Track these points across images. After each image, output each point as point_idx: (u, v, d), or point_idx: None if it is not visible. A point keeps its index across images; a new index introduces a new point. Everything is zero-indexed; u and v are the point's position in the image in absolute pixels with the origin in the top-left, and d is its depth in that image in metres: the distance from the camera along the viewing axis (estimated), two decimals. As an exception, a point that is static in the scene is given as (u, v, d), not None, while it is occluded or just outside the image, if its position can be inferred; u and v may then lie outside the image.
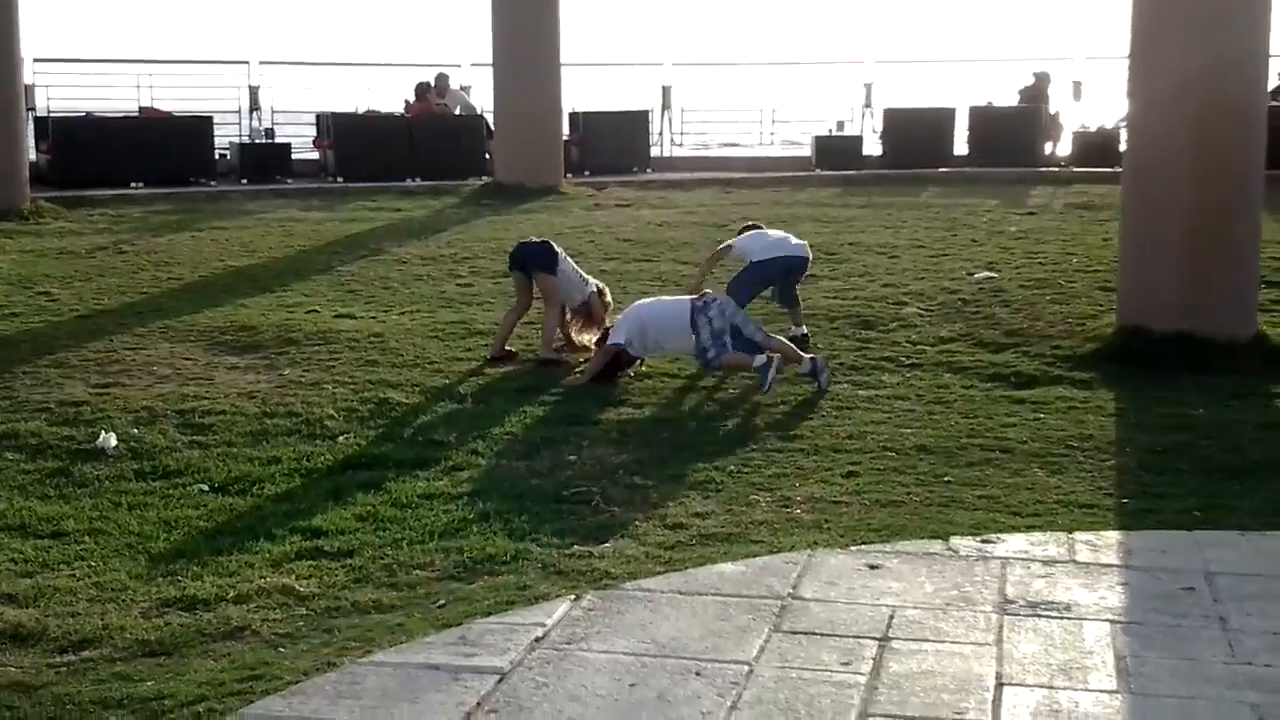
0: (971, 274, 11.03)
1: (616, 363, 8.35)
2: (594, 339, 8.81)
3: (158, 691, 4.27)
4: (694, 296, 8.39)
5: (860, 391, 8.14)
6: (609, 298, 9.12)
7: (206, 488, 6.49)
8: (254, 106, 21.86)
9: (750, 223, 10.22)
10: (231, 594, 5.14)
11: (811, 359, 8.21)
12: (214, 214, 15.82)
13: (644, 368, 8.48)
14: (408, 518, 6.04)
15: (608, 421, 7.55)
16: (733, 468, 6.70)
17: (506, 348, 8.91)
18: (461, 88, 22.00)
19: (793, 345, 8.42)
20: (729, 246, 9.66)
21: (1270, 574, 5.07)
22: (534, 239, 9.56)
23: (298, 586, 5.22)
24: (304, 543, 5.74)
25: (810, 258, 9.56)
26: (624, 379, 8.36)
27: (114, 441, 7.01)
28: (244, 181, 18.86)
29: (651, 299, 8.77)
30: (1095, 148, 20.53)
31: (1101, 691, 4.06)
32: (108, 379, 8.26)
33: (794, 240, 9.65)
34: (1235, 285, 8.92)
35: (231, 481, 6.58)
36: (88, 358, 8.73)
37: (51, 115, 19.52)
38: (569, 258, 9.19)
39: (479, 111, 21.14)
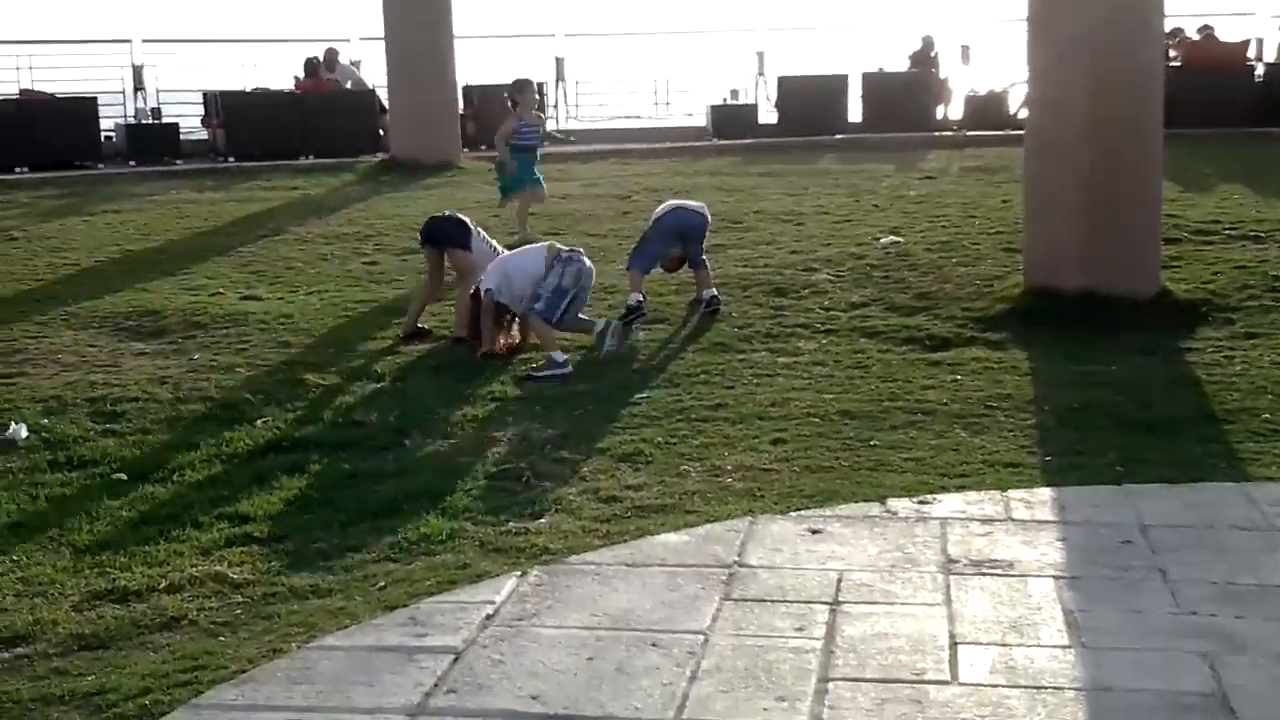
0: (878, 239, 11.11)
1: (495, 313, 8.21)
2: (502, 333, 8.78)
3: (99, 686, 4.16)
4: (563, 248, 8.38)
5: (779, 359, 8.17)
6: None
7: (125, 476, 6.34)
8: (139, 86, 21.37)
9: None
10: (163, 584, 5.03)
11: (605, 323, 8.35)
12: (104, 197, 15.43)
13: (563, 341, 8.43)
14: (336, 500, 5.95)
15: (528, 396, 7.50)
16: (660, 439, 6.68)
17: (420, 325, 8.81)
18: (351, 62, 21.69)
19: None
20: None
21: (1201, 525, 5.17)
22: (445, 213, 9.45)
23: (230, 574, 5.12)
24: (232, 529, 5.63)
25: (709, 217, 9.55)
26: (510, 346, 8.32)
27: (25, 432, 6.82)
28: (132, 163, 18.43)
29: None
30: (985, 111, 20.80)
31: (1055, 647, 4.11)
32: (11, 368, 8.03)
33: (691, 202, 9.81)
34: (1137, 242, 9.08)
35: (150, 469, 6.43)
36: (-12, 347, 8.49)
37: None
38: (481, 230, 9.10)
39: (370, 86, 20.86)
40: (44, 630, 4.63)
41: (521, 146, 12.07)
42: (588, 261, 8.38)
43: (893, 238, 11.15)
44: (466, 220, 9.02)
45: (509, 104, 12.42)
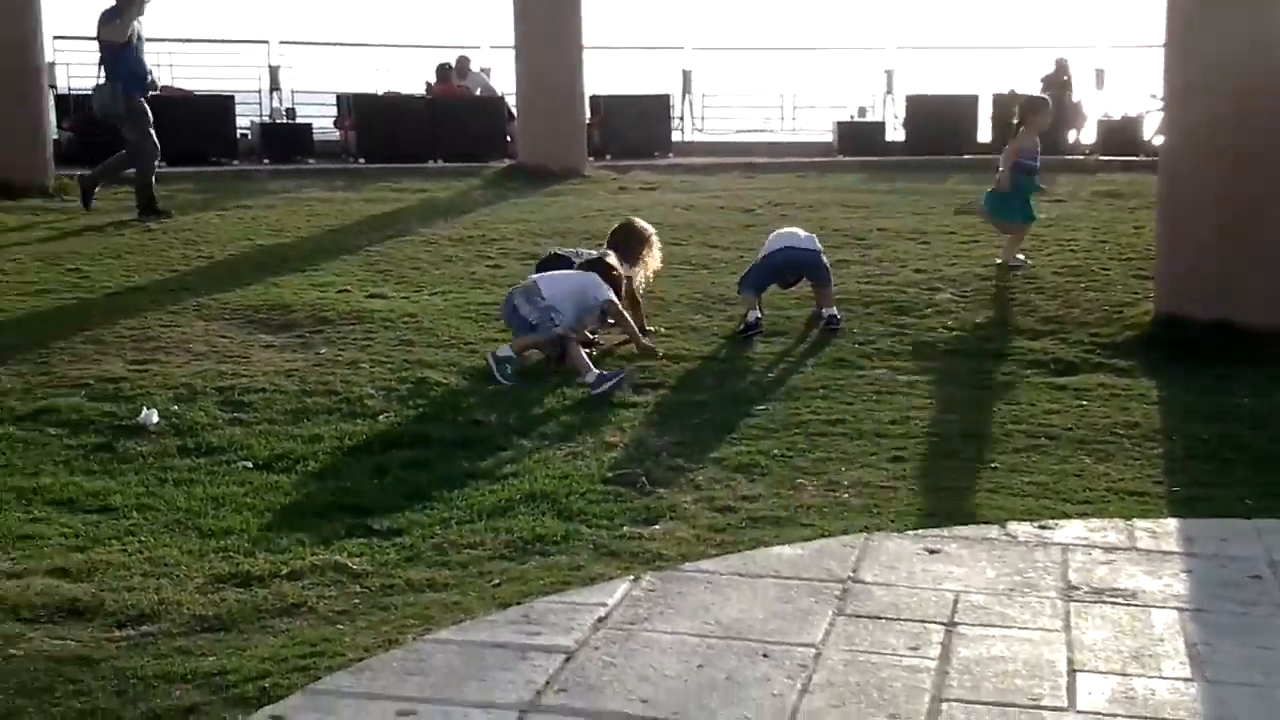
0: (954, 264, 10.97)
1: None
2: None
3: (220, 667, 4.24)
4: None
5: (900, 377, 8.10)
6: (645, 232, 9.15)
7: (251, 465, 6.46)
8: (274, 86, 21.86)
9: None
10: (284, 571, 5.10)
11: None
12: (238, 194, 15.79)
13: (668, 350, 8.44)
14: (454, 497, 6.00)
15: (646, 404, 7.51)
16: (777, 451, 6.65)
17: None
18: (482, 69, 22.00)
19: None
20: None
21: (1332, 563, 5.02)
22: (551, 252, 9.45)
23: (350, 564, 5.18)
24: (352, 520, 5.71)
25: (819, 249, 9.45)
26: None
27: (156, 418, 6.98)
28: (265, 161, 18.84)
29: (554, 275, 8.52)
30: (1118, 135, 20.50)
31: (1177, 679, 4.02)
32: (145, 355, 8.23)
33: (802, 233, 9.64)
34: (1275, 273, 8.85)
35: (275, 459, 6.55)
36: (123, 334, 8.70)
37: (72, 93, 19.51)
38: (581, 250, 9.11)
39: (499, 94, 21.11)
40: (169, 610, 4.73)
41: (1026, 169, 11.22)
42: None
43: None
44: (563, 252, 9.11)
45: (1015, 123, 11.53)
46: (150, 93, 14.06)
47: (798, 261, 9.38)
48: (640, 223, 9.35)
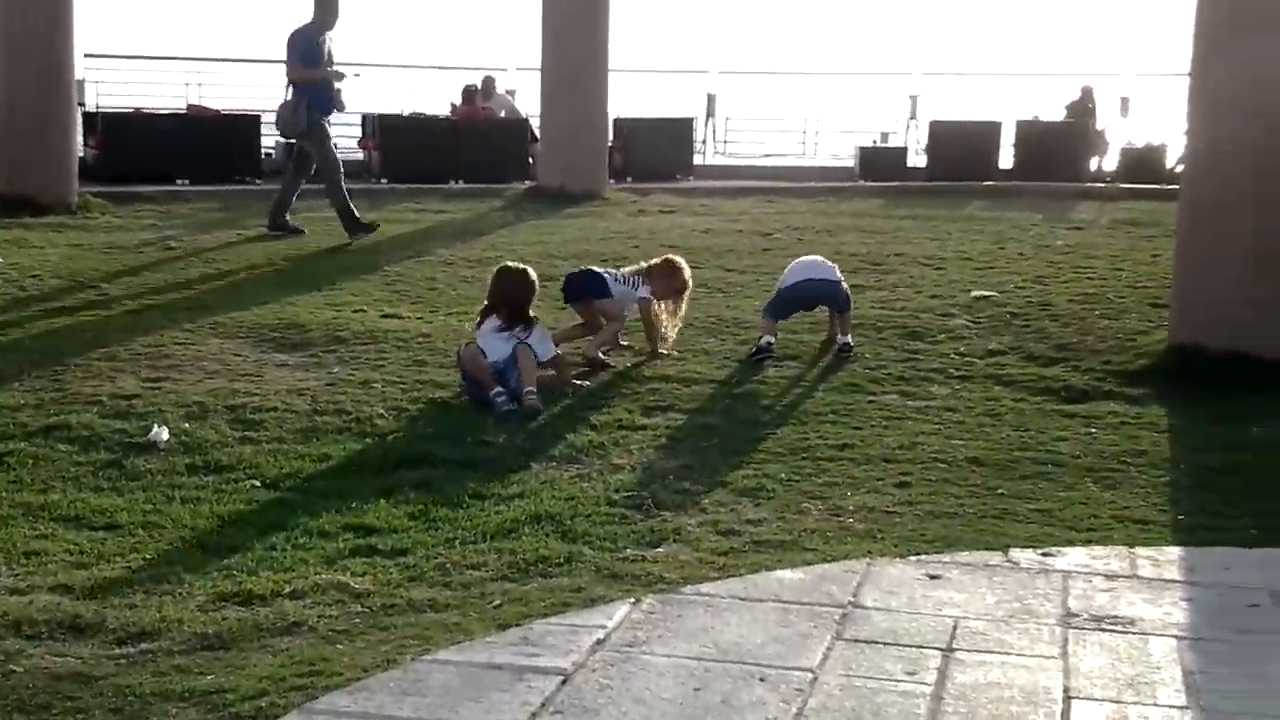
0: (968, 290, 10.97)
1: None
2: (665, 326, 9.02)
3: (218, 685, 4.26)
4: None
5: (910, 402, 8.09)
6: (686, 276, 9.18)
7: (258, 483, 6.49)
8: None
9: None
10: (287, 589, 5.13)
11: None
12: (261, 213, 15.83)
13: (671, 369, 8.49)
14: (460, 518, 6.03)
15: (655, 426, 7.53)
16: (783, 475, 6.66)
17: (600, 354, 8.81)
18: (507, 92, 22.09)
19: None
20: None
21: (1335, 594, 5.00)
22: (580, 269, 9.54)
23: (352, 583, 5.21)
24: (357, 540, 5.73)
25: (839, 279, 9.45)
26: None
27: (166, 435, 7.02)
28: (289, 181, 18.92)
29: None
30: (1142, 164, 20.46)
31: (1171, 707, 4.02)
32: (158, 373, 8.29)
33: (822, 262, 9.67)
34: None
35: (283, 478, 6.58)
36: (138, 352, 8.76)
37: (100, 110, 19.66)
38: (618, 272, 9.15)
39: (523, 116, 21.20)
40: (170, 628, 4.76)
41: None
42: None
43: (985, 291, 10.97)
44: (598, 269, 9.14)
45: None
46: (337, 110, 14.01)
47: (817, 294, 9.40)
48: (683, 264, 9.34)
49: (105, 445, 6.95)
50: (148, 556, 5.50)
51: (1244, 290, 8.65)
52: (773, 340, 9.01)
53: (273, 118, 20.80)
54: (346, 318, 9.92)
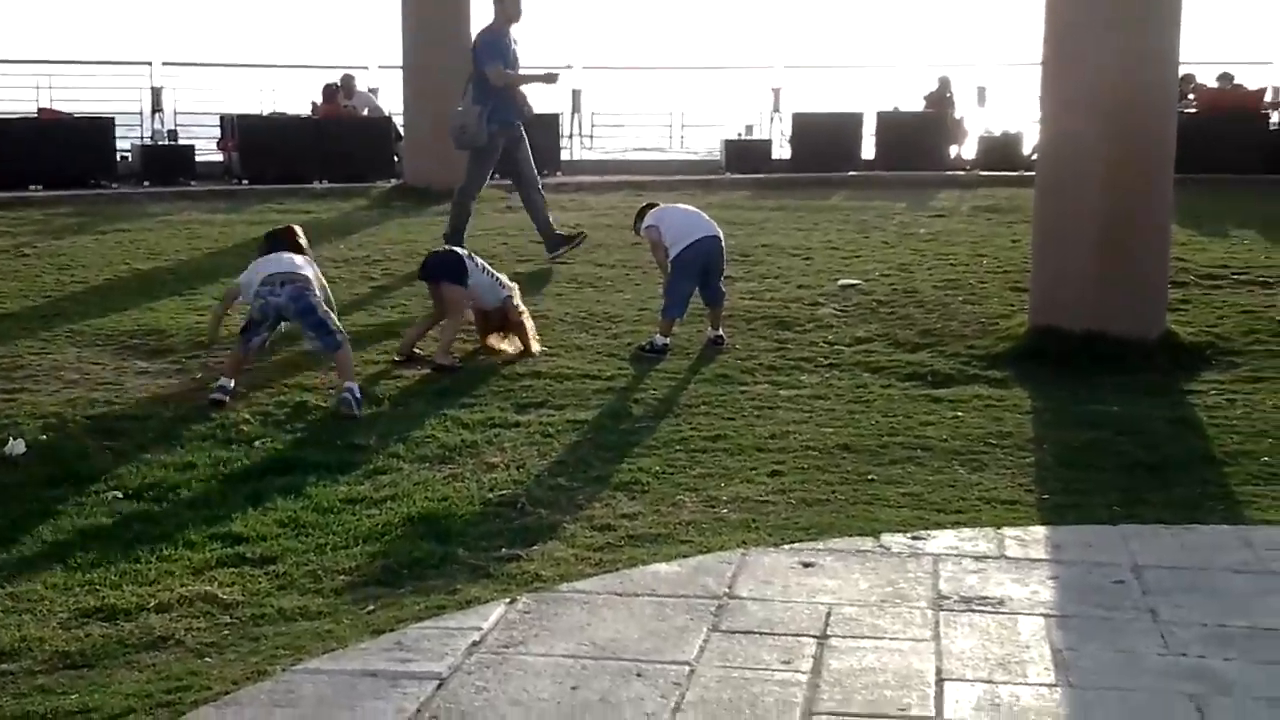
0: (834, 279, 11.11)
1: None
2: (503, 342, 8.87)
3: (82, 704, 4.14)
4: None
5: (781, 392, 8.15)
6: (518, 300, 9.01)
7: (121, 494, 6.34)
8: (156, 108, 21.50)
9: (647, 203, 9.97)
10: (153, 603, 5.02)
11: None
12: (116, 216, 15.48)
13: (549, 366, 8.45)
14: (330, 523, 5.94)
15: (529, 423, 7.48)
16: (657, 469, 6.67)
17: (416, 350, 8.80)
18: (369, 89, 21.81)
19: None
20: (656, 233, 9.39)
21: (1194, 566, 5.14)
22: (445, 249, 9.48)
23: (220, 594, 5.11)
24: (224, 549, 5.62)
25: (722, 235, 9.40)
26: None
27: (22, 448, 6.82)
28: (146, 184, 18.51)
29: None
30: (999, 151, 20.85)
31: (1041, 685, 4.09)
32: (14, 384, 8.04)
33: (702, 217, 9.47)
34: (1144, 285, 9.06)
35: (146, 488, 6.43)
36: (-9, 363, 8.50)
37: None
38: (484, 263, 9.08)
39: (386, 114, 20.96)
40: (30, 647, 4.62)
41: None
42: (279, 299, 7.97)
43: (850, 280, 11.11)
44: (462, 255, 9.02)
45: None
46: (519, 121, 12.59)
47: (710, 252, 9.21)
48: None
49: (-42, 460, 6.72)
50: (6, 573, 5.33)
51: (1096, 272, 8.86)
52: (668, 343, 8.94)
53: (128, 120, 20.37)
54: (209, 322, 9.69)
